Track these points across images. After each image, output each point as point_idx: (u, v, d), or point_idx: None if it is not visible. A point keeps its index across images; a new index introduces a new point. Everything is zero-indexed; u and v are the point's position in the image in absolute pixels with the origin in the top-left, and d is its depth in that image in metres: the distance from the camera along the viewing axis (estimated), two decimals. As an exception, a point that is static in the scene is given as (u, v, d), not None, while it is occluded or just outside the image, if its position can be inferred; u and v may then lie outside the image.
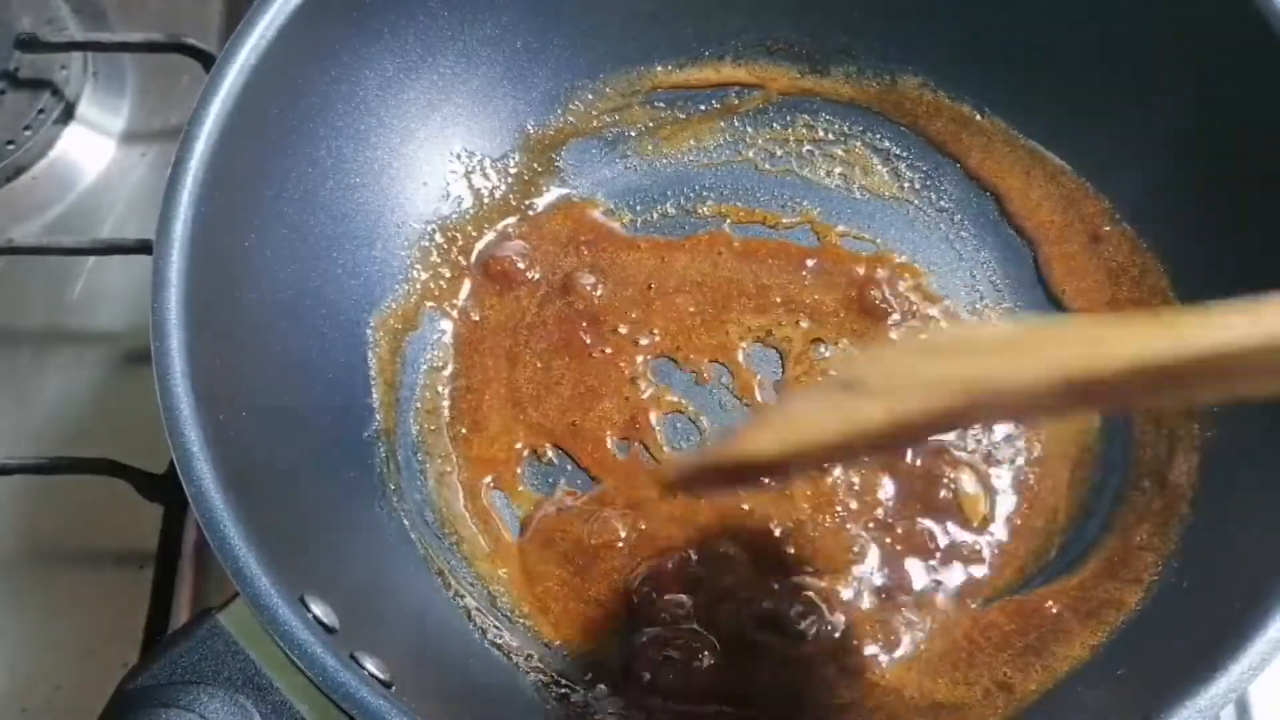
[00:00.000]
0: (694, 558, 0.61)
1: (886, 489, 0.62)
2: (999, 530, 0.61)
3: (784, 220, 0.70)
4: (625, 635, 0.60)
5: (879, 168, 0.71)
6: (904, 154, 0.71)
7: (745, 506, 0.62)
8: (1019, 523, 0.62)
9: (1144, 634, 0.55)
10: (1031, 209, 0.68)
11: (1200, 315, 0.35)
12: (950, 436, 0.63)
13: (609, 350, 0.67)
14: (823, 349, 0.66)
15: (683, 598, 0.60)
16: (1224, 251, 0.60)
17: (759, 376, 0.66)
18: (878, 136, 0.71)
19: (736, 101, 0.72)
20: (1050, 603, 0.58)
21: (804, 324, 0.67)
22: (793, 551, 0.61)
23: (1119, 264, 0.65)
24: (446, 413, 0.66)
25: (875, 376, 0.45)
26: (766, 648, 0.59)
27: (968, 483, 0.62)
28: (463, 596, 0.60)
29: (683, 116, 0.72)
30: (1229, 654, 0.45)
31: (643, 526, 0.62)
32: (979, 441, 0.63)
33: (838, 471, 0.62)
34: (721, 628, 0.59)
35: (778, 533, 0.61)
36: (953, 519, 0.61)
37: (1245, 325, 0.35)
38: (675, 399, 0.65)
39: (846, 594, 0.60)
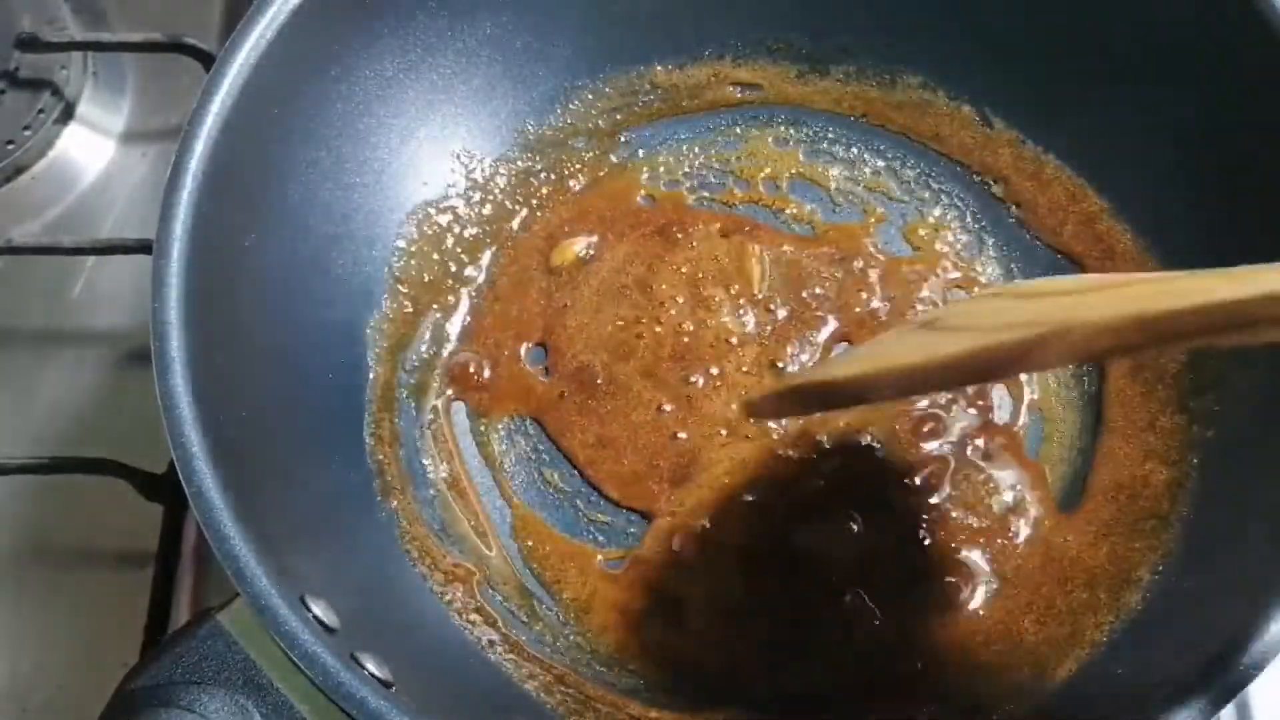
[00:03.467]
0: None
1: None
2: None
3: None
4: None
5: (879, 167, 0.71)
6: (903, 154, 0.71)
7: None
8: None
9: (1144, 634, 0.55)
10: (1031, 208, 0.68)
11: (1256, 270, 0.38)
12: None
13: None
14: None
15: None
16: (1225, 252, 0.60)
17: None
18: (879, 143, 0.71)
19: (739, 96, 0.72)
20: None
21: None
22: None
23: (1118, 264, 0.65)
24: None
25: (957, 316, 0.48)
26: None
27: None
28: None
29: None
30: (1229, 654, 0.45)
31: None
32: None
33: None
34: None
35: None
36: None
37: None
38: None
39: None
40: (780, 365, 0.65)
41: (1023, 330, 0.43)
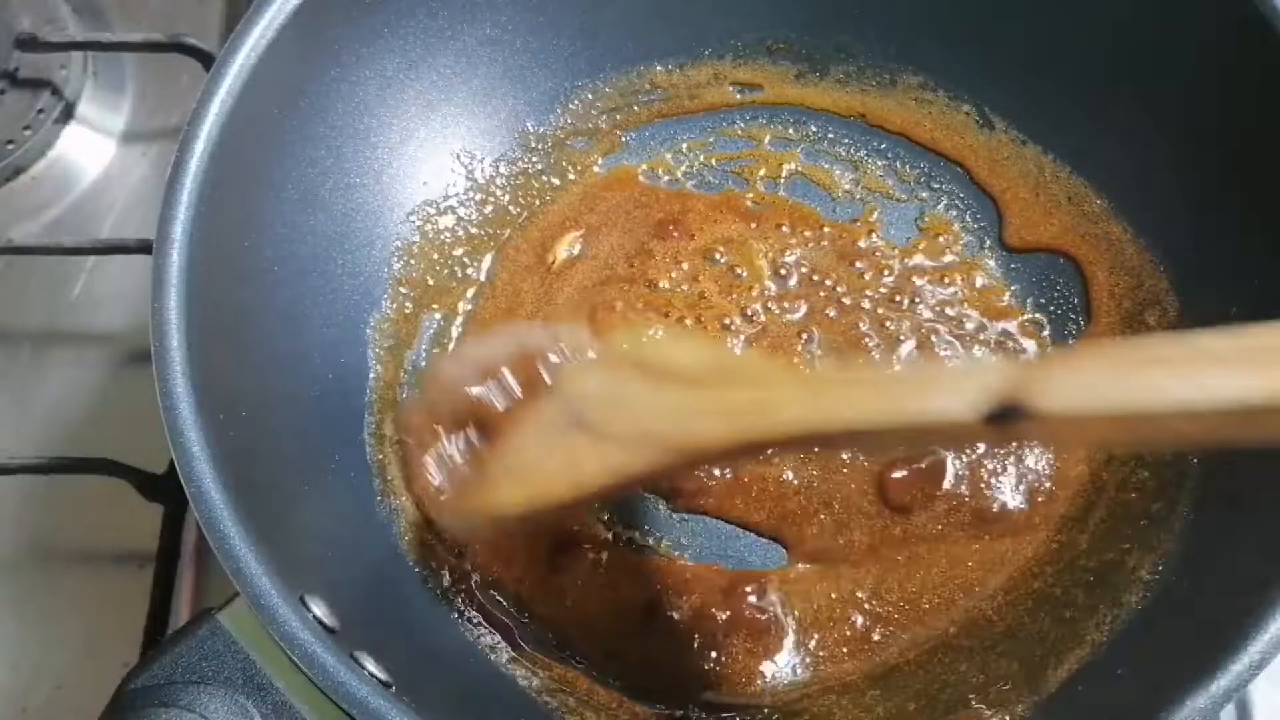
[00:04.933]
0: None
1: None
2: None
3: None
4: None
5: (879, 167, 0.71)
6: (903, 154, 0.71)
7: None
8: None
9: (1144, 634, 0.55)
10: (1031, 208, 0.68)
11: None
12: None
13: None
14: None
15: None
16: (1224, 252, 0.60)
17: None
18: (878, 143, 0.71)
19: (739, 97, 0.72)
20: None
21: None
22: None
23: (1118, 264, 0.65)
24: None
25: (600, 415, 0.46)
26: None
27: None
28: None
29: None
30: (1229, 654, 0.45)
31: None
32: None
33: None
34: None
35: None
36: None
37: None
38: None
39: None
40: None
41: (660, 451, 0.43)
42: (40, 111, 0.78)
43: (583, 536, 0.62)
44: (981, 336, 0.66)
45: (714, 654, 0.59)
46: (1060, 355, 0.42)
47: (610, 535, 0.62)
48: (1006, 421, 0.37)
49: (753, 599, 0.60)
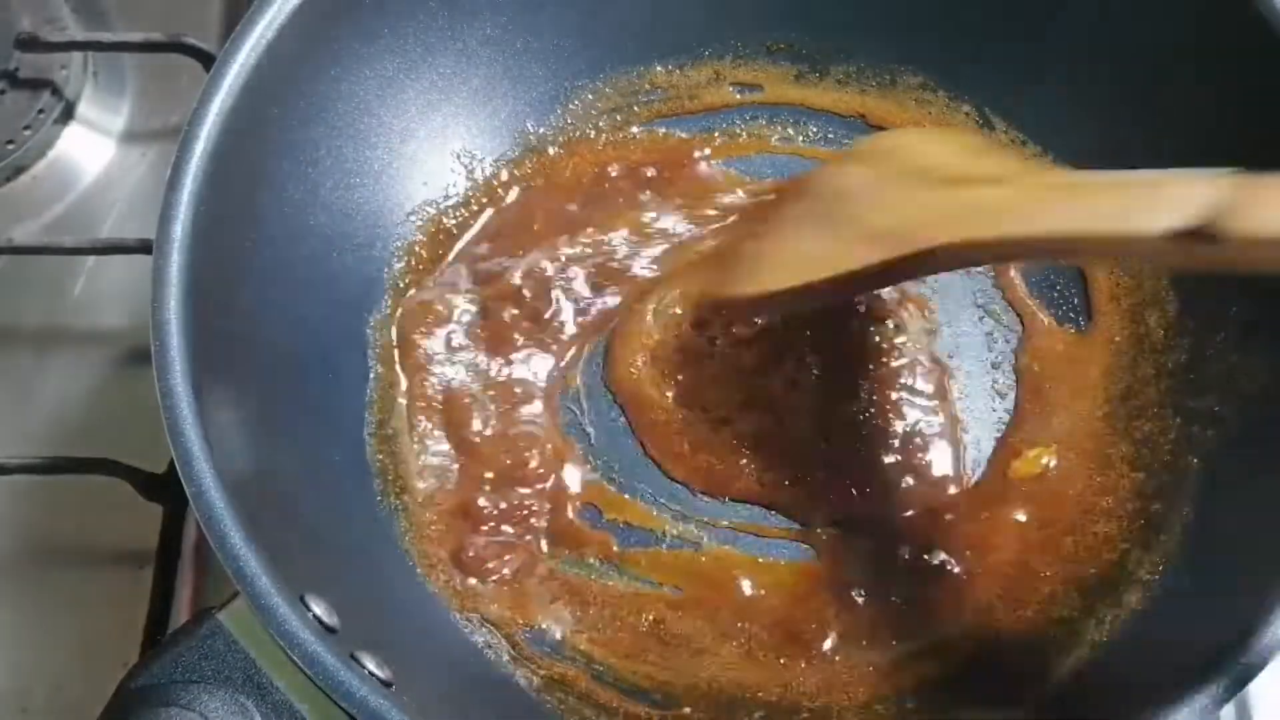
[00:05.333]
0: None
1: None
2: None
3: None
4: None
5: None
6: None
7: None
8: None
9: (1144, 634, 0.55)
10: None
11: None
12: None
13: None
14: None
15: None
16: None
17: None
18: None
19: (739, 97, 0.72)
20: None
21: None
22: None
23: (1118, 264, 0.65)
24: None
25: (850, 205, 0.52)
26: None
27: None
28: (463, 596, 0.60)
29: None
30: (1229, 654, 0.45)
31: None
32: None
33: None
34: None
35: None
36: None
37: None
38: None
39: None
40: None
41: (919, 241, 0.47)
42: (40, 111, 0.78)
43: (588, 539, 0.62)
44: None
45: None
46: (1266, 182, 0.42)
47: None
48: (1199, 241, 0.39)
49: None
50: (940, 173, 0.50)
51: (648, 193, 0.69)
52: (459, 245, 0.68)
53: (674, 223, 0.68)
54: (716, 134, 0.71)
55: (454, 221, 0.68)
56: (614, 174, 0.70)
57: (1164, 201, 0.40)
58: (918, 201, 0.49)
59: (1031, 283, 0.67)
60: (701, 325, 0.65)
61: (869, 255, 0.49)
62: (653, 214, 0.69)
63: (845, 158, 0.57)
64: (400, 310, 0.65)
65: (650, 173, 0.70)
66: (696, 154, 0.70)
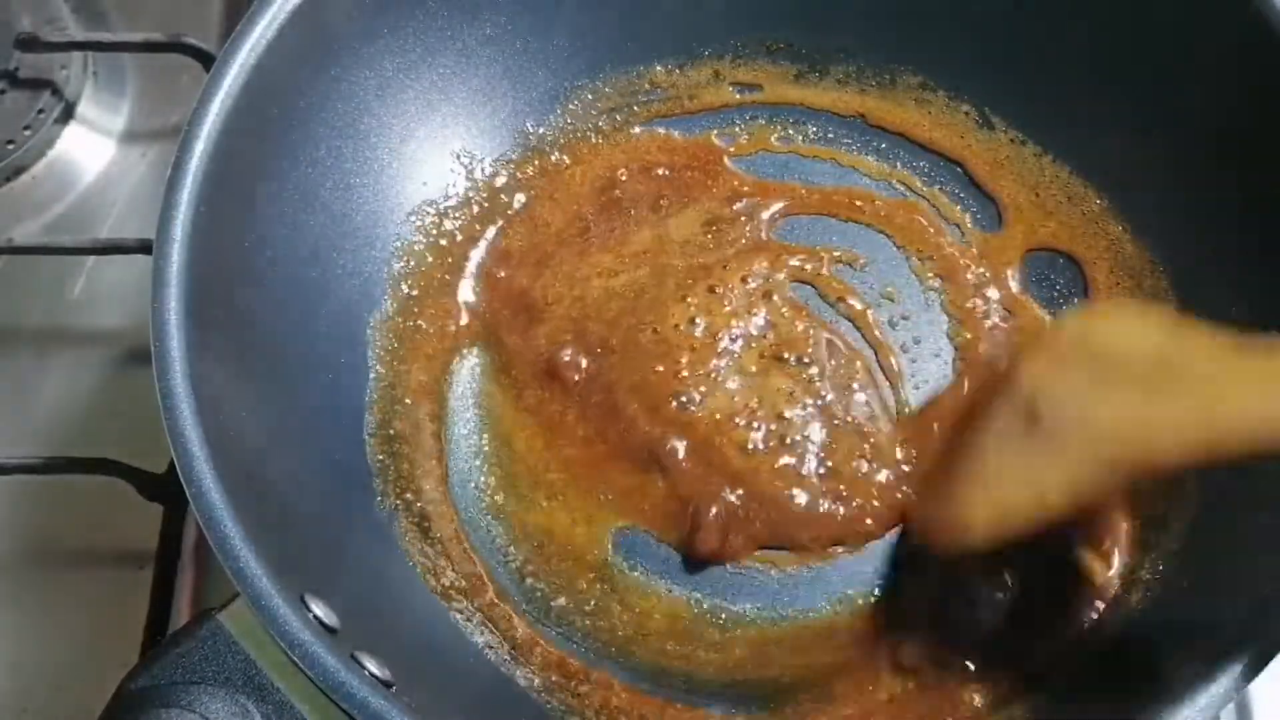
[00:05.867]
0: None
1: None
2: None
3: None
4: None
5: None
6: (902, 154, 0.71)
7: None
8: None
9: (1144, 634, 0.55)
10: (1031, 209, 0.68)
11: None
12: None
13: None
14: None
15: None
16: (1224, 252, 0.60)
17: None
18: (878, 143, 0.71)
19: (739, 97, 0.72)
20: None
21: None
22: None
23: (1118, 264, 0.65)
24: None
25: (1060, 408, 0.47)
26: None
27: None
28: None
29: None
30: (1229, 654, 0.45)
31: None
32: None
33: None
34: None
35: None
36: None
37: None
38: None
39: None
40: (785, 357, 0.65)
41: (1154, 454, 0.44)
42: (40, 111, 0.78)
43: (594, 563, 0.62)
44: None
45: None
46: None
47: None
48: None
49: None
50: (1145, 367, 0.46)
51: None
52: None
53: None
54: (714, 134, 0.71)
55: (457, 225, 0.68)
56: (624, 178, 0.70)
57: None
58: (1141, 404, 0.45)
59: (1031, 282, 0.67)
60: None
61: (1100, 476, 0.46)
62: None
63: (1034, 353, 0.51)
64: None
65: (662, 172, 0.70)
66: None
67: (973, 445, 0.52)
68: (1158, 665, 0.51)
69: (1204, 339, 0.46)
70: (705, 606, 0.60)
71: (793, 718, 0.57)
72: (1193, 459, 0.44)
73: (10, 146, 0.77)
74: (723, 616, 0.60)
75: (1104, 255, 0.66)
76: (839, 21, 0.70)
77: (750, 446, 0.62)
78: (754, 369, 0.64)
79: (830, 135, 0.71)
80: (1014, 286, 0.67)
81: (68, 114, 0.79)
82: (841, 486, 0.61)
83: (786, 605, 0.60)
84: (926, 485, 0.59)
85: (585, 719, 0.57)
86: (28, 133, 0.77)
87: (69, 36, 0.78)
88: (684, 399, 0.63)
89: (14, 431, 0.69)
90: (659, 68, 0.71)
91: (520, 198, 0.70)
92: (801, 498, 0.61)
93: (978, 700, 0.56)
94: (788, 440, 0.62)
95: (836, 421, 0.63)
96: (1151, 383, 0.45)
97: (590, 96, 0.71)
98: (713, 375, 0.64)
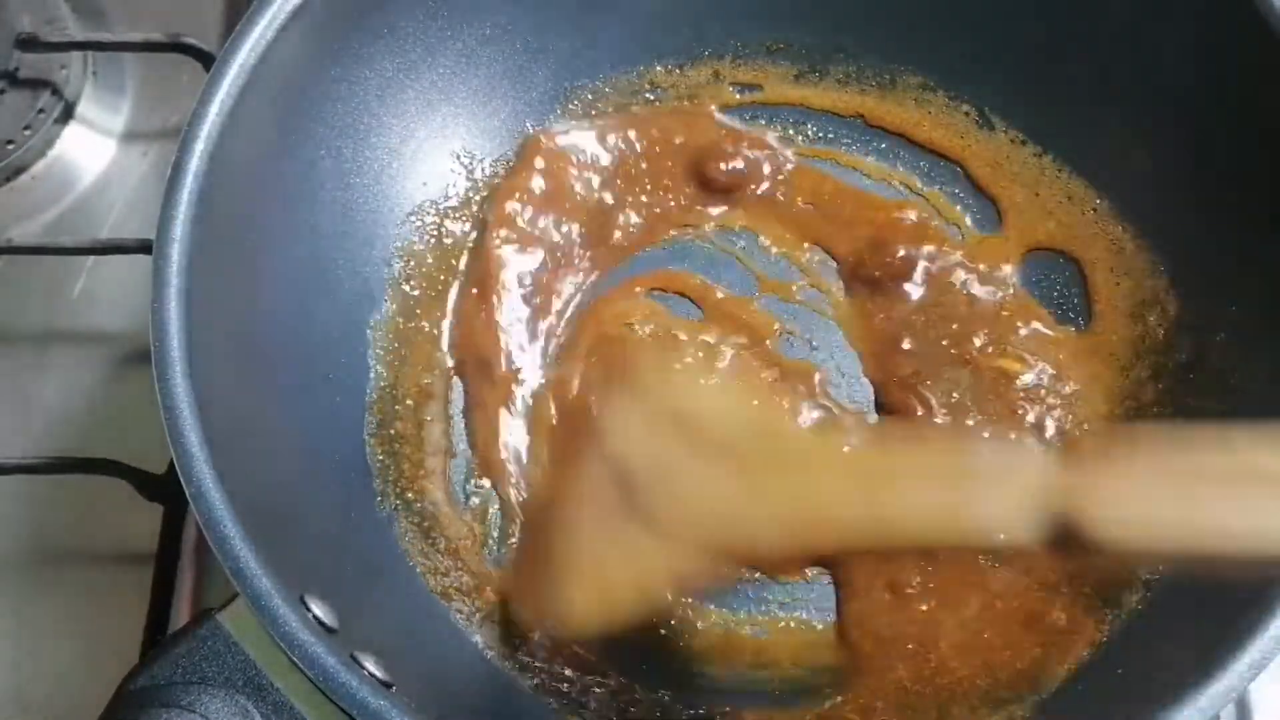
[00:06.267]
0: None
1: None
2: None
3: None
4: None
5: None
6: (902, 154, 0.71)
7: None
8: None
9: (1144, 634, 0.55)
10: (1031, 209, 0.68)
11: None
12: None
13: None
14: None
15: None
16: (1225, 252, 0.60)
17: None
18: (878, 143, 0.71)
19: (738, 97, 0.72)
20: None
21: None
22: None
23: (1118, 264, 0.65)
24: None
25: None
26: None
27: None
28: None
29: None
30: (1229, 654, 0.45)
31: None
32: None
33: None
34: None
35: None
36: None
37: None
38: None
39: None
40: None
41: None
42: (40, 111, 0.78)
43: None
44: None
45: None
46: (1105, 458, 0.38)
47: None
48: (1065, 548, 0.36)
49: None
50: (745, 438, 0.39)
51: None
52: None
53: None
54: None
55: (457, 225, 0.68)
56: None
57: (1017, 494, 0.36)
58: (718, 495, 0.38)
59: (1031, 282, 0.67)
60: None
61: (683, 564, 0.39)
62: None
63: (617, 398, 0.43)
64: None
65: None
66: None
67: (563, 516, 0.44)
68: (1157, 665, 0.51)
69: (783, 411, 0.41)
70: (704, 606, 0.60)
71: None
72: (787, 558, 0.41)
73: (10, 146, 0.77)
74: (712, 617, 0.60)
75: (1104, 255, 0.66)
76: (839, 21, 0.70)
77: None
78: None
79: (830, 135, 0.71)
80: (1014, 287, 0.67)
81: (68, 114, 0.79)
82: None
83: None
84: (521, 557, 0.52)
85: (584, 719, 0.57)
86: (28, 133, 0.77)
87: (69, 36, 0.78)
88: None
89: (14, 431, 0.69)
90: (659, 68, 0.71)
91: (520, 198, 0.70)
92: None
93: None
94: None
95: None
96: (753, 460, 0.38)
97: (590, 96, 0.71)
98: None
